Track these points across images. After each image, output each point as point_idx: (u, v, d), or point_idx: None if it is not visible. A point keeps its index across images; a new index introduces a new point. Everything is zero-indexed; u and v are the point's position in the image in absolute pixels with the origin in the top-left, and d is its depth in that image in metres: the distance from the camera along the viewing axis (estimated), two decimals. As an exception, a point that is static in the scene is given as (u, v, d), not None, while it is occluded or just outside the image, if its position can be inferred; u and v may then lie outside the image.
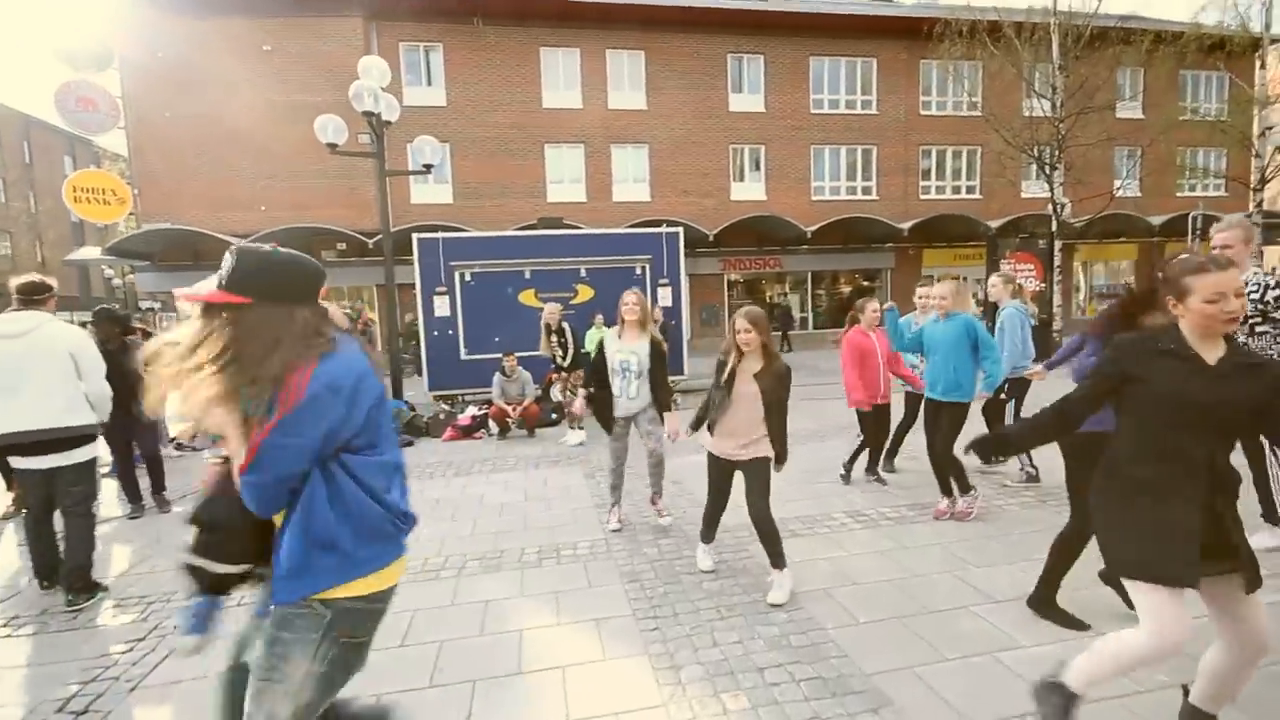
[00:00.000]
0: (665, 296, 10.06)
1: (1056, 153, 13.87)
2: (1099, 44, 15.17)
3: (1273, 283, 3.51)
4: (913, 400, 5.34)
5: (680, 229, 10.11)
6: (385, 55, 14.32)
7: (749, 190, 20.07)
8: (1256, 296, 3.52)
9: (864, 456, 5.28)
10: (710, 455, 3.50)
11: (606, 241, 10.07)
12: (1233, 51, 16.89)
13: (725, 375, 3.31)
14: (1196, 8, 26.09)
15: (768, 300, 21.16)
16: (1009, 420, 5.04)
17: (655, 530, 4.36)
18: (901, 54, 20.21)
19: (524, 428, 8.06)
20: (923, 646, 2.74)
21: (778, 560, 3.27)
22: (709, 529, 3.67)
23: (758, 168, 20.16)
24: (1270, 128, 11.12)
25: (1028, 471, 5.07)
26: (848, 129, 20.41)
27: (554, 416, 8.68)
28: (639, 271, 10.01)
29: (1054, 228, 13.83)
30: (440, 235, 9.44)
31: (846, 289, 22.41)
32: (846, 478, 5.28)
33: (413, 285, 9.53)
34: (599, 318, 9.57)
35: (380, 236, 8.95)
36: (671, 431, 4.12)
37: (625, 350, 4.18)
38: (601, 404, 4.29)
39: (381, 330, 15.68)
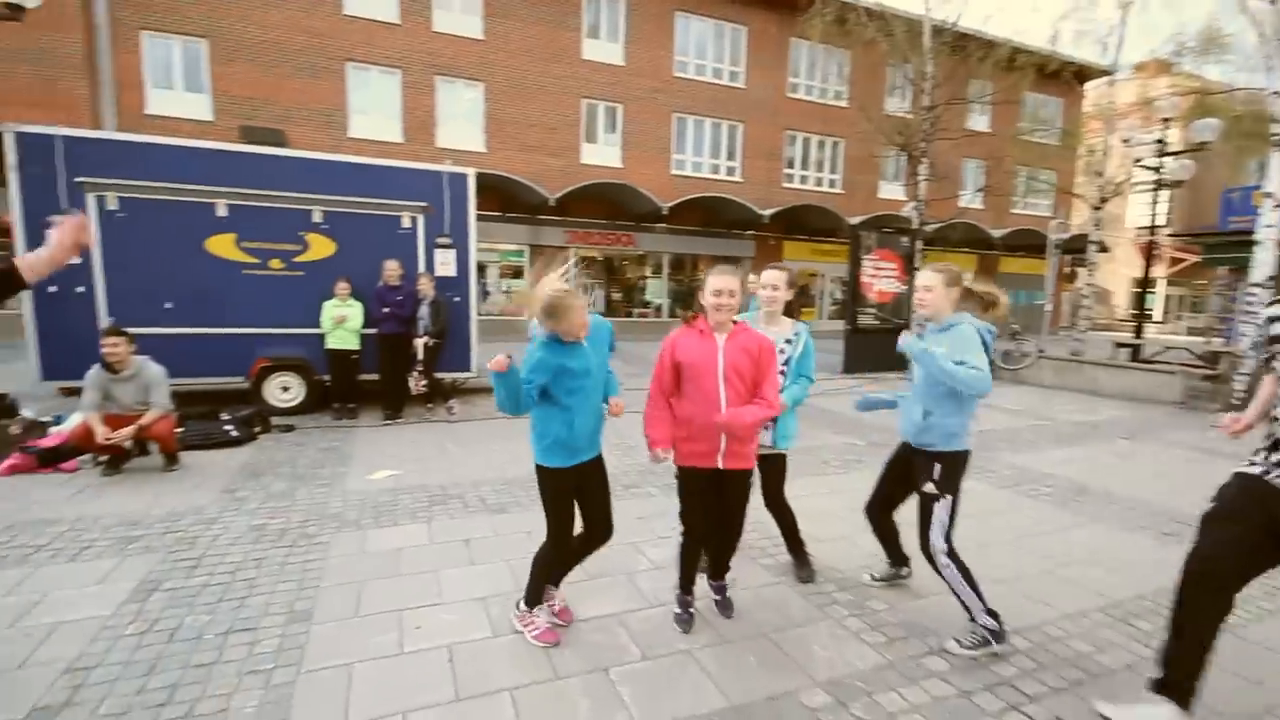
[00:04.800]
0: (446, 261, 7.22)
1: (925, 144, 12.81)
2: (963, 45, 14.41)
3: None
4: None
5: (471, 171, 7.24)
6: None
7: (603, 154, 17.52)
8: None
9: None
10: None
11: (359, 175, 6.88)
12: (1085, 74, 17.27)
13: None
14: (1056, 18, 27.69)
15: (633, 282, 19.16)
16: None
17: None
18: (772, 26, 18.65)
19: (164, 454, 4.96)
20: None
21: None
22: None
23: (614, 130, 17.66)
24: (1127, 140, 10.56)
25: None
26: (714, 100, 18.53)
27: (234, 434, 5.62)
28: (407, 224, 7.05)
29: (915, 225, 12.79)
30: (58, 131, 5.82)
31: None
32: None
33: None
34: (343, 286, 6.54)
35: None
36: None
37: None
38: None
39: None
